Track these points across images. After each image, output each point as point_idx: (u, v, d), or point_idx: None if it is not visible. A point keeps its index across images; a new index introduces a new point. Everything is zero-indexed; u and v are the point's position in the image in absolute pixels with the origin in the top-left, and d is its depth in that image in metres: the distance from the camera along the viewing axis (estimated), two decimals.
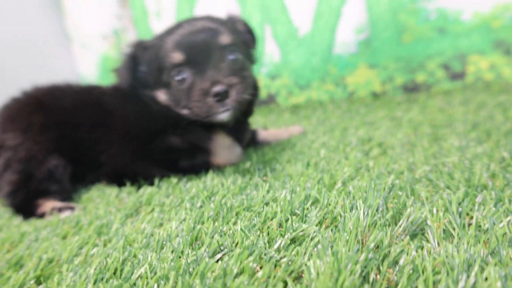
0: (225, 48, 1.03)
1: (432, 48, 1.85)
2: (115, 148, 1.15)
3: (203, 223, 0.75)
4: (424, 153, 1.02)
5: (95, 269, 0.63)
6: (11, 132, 1.13)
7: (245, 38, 1.17)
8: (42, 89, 1.26)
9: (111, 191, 1.05)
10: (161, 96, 1.10)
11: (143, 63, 1.11)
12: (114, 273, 0.62)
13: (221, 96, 0.97)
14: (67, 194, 1.12)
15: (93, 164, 1.17)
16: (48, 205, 1.00)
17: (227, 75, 0.99)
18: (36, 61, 2.82)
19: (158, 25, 2.67)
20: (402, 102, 1.85)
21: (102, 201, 1.00)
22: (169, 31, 1.09)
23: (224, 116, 1.01)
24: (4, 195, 1.10)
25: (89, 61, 3.09)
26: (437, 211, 0.66)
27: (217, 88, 0.97)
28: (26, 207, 1.03)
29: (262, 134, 1.49)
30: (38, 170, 1.08)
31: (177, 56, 1.02)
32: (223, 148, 1.16)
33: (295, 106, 2.25)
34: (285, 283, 0.54)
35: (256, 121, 2.04)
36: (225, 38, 1.03)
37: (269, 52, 2.27)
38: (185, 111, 1.07)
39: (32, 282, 0.64)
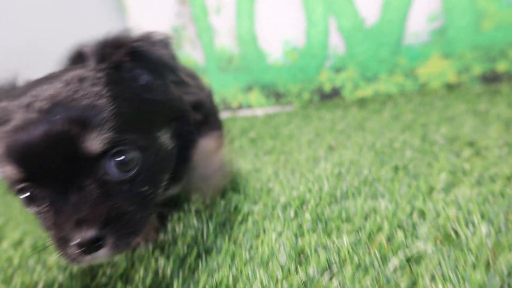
0: (100, 156, 0.58)
1: None
2: None
3: (302, 235, 0.73)
4: None
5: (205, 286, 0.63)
6: None
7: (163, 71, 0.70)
8: None
9: (197, 197, 1.05)
10: None
11: None
12: None
13: (89, 248, 0.55)
14: None
15: None
16: None
17: (102, 205, 0.57)
18: None
19: (218, 21, 2.68)
20: (482, 93, 1.73)
21: (190, 208, 1.01)
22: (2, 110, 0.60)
23: (98, 261, 0.63)
24: None
25: None
26: None
27: (81, 236, 0.54)
28: None
29: None
30: None
31: (13, 173, 0.57)
32: None
33: (361, 99, 2.18)
34: None
35: (322, 116, 2.00)
36: (93, 145, 0.56)
37: (333, 45, 2.20)
38: None
39: None
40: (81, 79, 0.62)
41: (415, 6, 1.88)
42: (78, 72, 0.64)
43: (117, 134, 0.58)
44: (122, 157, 0.59)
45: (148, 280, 0.69)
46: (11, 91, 0.65)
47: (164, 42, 0.70)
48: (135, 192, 0.61)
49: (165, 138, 0.69)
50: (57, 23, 2.68)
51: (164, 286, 0.67)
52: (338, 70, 2.22)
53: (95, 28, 2.83)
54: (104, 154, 0.58)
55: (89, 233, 0.55)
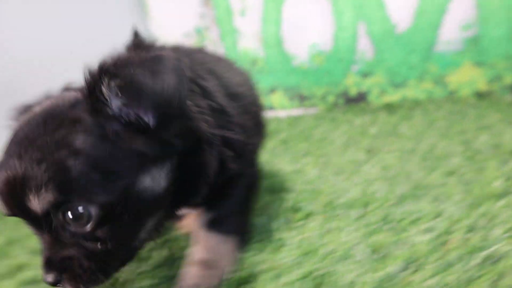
0: (52, 209, 0.56)
1: None
2: None
3: (371, 234, 0.76)
4: None
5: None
6: None
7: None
8: None
9: None
10: None
11: None
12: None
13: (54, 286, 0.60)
14: None
15: None
16: None
17: (60, 252, 0.59)
18: None
19: (242, 23, 2.71)
20: None
21: None
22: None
23: None
24: None
25: None
26: None
27: (45, 277, 0.59)
28: None
29: None
30: None
31: (1, 207, 0.60)
32: None
33: (388, 104, 2.20)
34: None
35: (350, 120, 2.02)
36: (35, 205, 0.55)
37: (361, 50, 2.23)
38: None
39: None
40: (52, 119, 0.59)
41: (449, 14, 1.90)
42: (58, 107, 0.61)
43: (62, 195, 0.55)
44: (70, 213, 0.56)
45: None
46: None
47: (171, 68, 0.57)
48: (96, 244, 0.59)
49: (154, 177, 0.62)
50: (79, 26, 2.70)
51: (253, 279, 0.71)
52: (365, 75, 2.25)
53: (115, 30, 2.83)
54: (52, 210, 0.56)
55: (47, 277, 0.59)
